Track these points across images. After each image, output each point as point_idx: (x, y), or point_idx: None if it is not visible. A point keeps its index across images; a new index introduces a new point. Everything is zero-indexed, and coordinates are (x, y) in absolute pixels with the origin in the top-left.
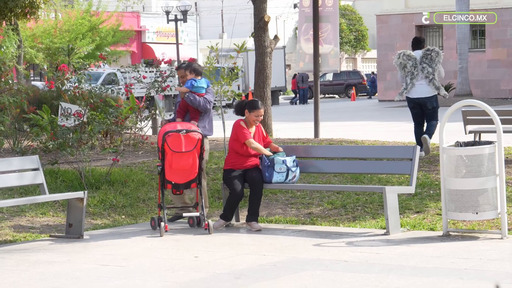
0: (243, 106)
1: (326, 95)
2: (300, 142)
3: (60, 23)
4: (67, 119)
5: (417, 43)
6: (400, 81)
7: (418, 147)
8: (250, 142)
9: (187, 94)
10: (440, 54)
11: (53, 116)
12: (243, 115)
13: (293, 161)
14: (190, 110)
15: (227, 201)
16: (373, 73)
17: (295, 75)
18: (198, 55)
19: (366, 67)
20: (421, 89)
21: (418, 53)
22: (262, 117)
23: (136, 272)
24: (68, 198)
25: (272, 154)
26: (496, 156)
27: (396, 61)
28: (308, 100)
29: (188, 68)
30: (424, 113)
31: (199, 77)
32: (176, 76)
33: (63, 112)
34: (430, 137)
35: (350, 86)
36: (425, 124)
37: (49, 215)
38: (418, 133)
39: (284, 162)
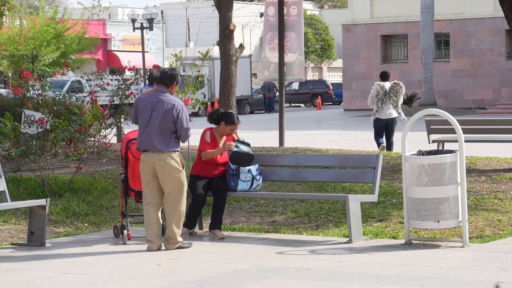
0: (218, 116)
1: (292, 104)
2: (265, 151)
3: (25, 30)
4: (30, 127)
5: (385, 76)
6: (368, 103)
7: (381, 156)
8: (203, 154)
9: None
10: (403, 87)
11: (16, 123)
12: (215, 123)
13: (256, 170)
14: None
15: (189, 208)
16: None
17: None
18: (164, 63)
19: (332, 76)
20: (389, 112)
21: (387, 85)
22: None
23: (98, 280)
24: (30, 206)
25: (231, 145)
26: (458, 165)
27: (374, 90)
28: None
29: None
30: (387, 130)
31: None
32: (142, 84)
33: (26, 119)
34: (391, 150)
35: (316, 95)
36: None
37: (11, 222)
38: (378, 141)
39: (249, 171)
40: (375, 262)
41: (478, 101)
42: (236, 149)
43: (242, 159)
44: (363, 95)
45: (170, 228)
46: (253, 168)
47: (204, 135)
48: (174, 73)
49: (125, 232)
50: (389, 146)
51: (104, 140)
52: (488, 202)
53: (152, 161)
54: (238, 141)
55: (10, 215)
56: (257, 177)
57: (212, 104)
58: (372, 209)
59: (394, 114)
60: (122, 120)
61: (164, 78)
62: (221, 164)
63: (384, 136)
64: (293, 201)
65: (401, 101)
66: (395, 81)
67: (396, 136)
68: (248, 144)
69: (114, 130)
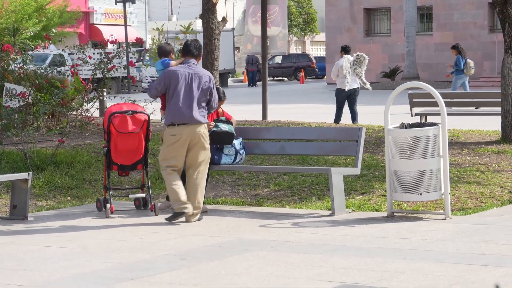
0: None
1: (275, 78)
2: (248, 124)
3: (6, 4)
4: (11, 100)
5: (347, 50)
6: (332, 76)
7: (364, 129)
8: None
9: None
10: (366, 58)
11: None
12: None
13: (240, 143)
14: None
15: None
16: None
17: None
18: (147, 37)
19: (315, 50)
20: (353, 83)
21: (350, 57)
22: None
23: (81, 253)
24: (12, 180)
25: (211, 125)
26: (440, 137)
27: (345, 62)
28: (257, 83)
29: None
30: (349, 100)
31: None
32: (124, 57)
33: (7, 93)
34: (357, 121)
35: (299, 68)
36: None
37: None
38: (340, 115)
39: (233, 145)
40: (358, 234)
41: None
42: (215, 129)
43: (222, 138)
44: None
45: (200, 197)
46: (237, 142)
47: None
48: (199, 44)
49: (108, 205)
50: (354, 117)
51: (87, 114)
52: (470, 175)
53: (190, 133)
54: (219, 120)
55: None
56: (241, 151)
57: None
58: (355, 182)
59: (357, 84)
60: (105, 93)
61: (192, 49)
62: None
63: (346, 108)
64: (276, 175)
65: (364, 71)
66: (358, 53)
67: (379, 109)
68: (229, 122)
69: (97, 103)
